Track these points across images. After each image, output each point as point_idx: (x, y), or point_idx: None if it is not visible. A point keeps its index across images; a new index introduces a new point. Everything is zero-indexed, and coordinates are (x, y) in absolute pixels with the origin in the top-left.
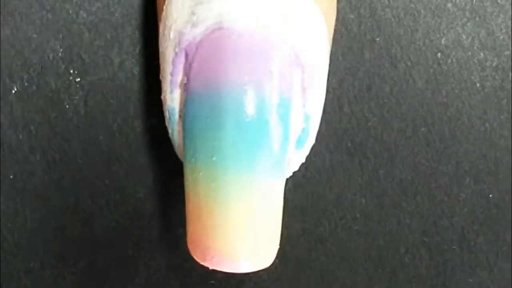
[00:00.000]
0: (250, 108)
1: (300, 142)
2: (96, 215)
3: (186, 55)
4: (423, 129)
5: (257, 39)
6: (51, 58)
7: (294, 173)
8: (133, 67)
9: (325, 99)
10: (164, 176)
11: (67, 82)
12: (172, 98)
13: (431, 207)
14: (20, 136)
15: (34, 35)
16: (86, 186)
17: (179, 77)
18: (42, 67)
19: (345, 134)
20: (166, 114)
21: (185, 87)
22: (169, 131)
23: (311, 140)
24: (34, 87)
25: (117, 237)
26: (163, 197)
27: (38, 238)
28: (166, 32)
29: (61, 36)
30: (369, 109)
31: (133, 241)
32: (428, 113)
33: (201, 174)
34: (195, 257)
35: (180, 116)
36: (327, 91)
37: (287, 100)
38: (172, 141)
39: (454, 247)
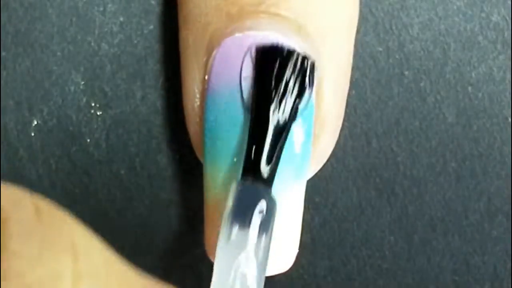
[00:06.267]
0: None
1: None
2: (116, 251)
3: (209, 53)
4: (453, 164)
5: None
6: (72, 90)
7: (322, 210)
8: (156, 100)
9: (353, 134)
10: (187, 211)
11: (88, 115)
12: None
13: (462, 245)
14: (40, 170)
15: (55, 67)
16: (107, 222)
17: (203, 75)
18: (63, 99)
19: (373, 170)
20: (192, 114)
21: (206, 85)
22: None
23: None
24: (55, 120)
25: None
26: (187, 233)
27: None
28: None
29: (82, 68)
30: (398, 144)
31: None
32: (459, 148)
33: (221, 174)
34: (212, 259)
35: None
36: (355, 125)
37: (310, 102)
38: (192, 141)
39: (486, 286)
